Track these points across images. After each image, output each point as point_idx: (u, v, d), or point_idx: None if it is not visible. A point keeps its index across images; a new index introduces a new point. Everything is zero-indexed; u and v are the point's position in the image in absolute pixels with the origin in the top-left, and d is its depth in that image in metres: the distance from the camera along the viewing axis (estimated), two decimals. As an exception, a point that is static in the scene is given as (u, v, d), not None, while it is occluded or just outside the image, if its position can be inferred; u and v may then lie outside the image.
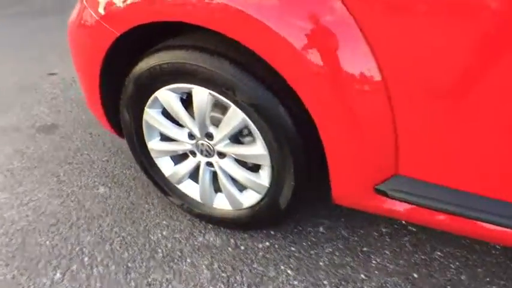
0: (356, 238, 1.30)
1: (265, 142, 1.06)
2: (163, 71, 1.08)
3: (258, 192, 1.19)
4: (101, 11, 1.08)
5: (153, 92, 1.15)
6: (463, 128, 0.84)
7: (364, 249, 1.26)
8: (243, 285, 1.17)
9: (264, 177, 1.15)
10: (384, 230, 1.32)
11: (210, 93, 1.05)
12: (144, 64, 1.11)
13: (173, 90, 1.12)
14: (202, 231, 1.36)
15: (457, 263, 1.19)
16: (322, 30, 0.84)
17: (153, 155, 1.32)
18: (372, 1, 0.78)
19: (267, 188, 1.15)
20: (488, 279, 1.14)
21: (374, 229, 1.32)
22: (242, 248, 1.29)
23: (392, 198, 1.00)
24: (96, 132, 2.01)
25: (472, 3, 0.71)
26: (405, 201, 0.99)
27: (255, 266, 1.23)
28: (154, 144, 1.29)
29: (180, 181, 1.33)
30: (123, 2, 1.03)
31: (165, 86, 1.11)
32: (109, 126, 1.40)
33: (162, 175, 1.35)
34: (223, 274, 1.21)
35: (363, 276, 1.18)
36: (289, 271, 1.21)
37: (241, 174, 1.18)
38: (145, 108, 1.20)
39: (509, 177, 0.86)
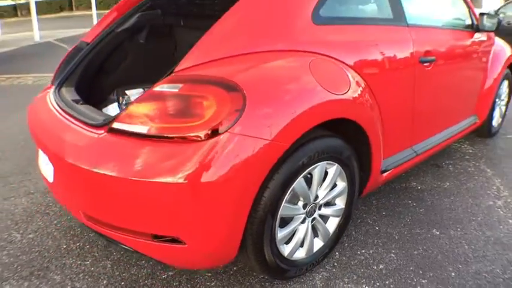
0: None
1: (346, 178, 1.74)
2: (307, 162, 1.47)
3: (337, 216, 1.80)
4: (270, 127, 1.31)
5: (291, 185, 1.47)
6: (399, 126, 1.99)
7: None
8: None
9: (341, 203, 1.81)
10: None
11: (328, 164, 1.59)
12: (295, 161, 1.44)
13: (303, 175, 1.51)
14: (302, 278, 1.74)
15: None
16: (365, 99, 1.71)
17: (280, 244, 1.55)
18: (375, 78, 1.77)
19: (344, 208, 1.80)
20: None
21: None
22: (338, 256, 1.83)
23: (388, 170, 2.01)
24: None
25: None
26: (389, 170, 2.03)
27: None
28: (281, 234, 1.54)
29: (294, 252, 1.64)
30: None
31: (301, 174, 1.49)
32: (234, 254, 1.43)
33: (283, 258, 1.60)
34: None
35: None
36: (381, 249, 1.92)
37: (332, 210, 1.77)
38: (282, 203, 1.47)
39: (411, 139, 2.14)
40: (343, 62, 1.66)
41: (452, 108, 2.71)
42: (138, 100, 1.40)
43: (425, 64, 2.13)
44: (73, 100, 1.87)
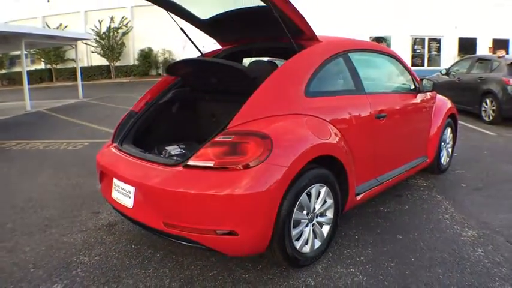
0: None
1: (332, 196, 2.63)
2: (308, 183, 2.36)
3: (328, 224, 2.66)
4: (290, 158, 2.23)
5: (299, 197, 2.35)
6: (365, 162, 2.95)
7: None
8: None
9: (330, 214, 2.68)
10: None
11: (320, 185, 2.49)
12: (301, 182, 2.33)
13: (306, 192, 2.40)
14: (308, 267, 2.54)
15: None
16: (340, 143, 2.66)
17: (293, 239, 2.38)
18: (346, 130, 2.75)
19: (332, 218, 2.67)
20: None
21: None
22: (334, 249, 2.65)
23: (360, 194, 2.93)
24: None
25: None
26: (361, 193, 2.95)
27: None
28: (294, 232, 2.38)
29: (303, 246, 2.47)
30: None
31: (304, 191, 2.38)
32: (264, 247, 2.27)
33: (296, 250, 2.43)
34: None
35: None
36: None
37: (325, 219, 2.63)
38: (294, 210, 2.33)
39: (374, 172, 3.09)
40: (325, 120, 2.64)
41: (405, 150, 3.72)
42: (205, 146, 2.29)
43: (380, 119, 3.14)
44: (140, 151, 2.74)
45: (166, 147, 3.22)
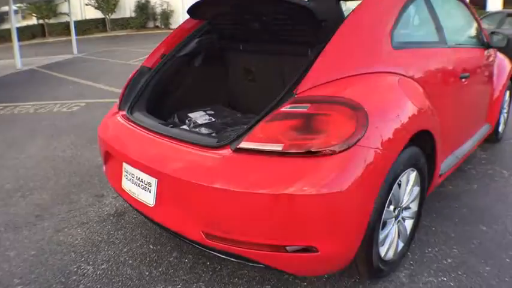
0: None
1: (420, 182, 1.91)
2: (402, 169, 1.66)
3: (411, 218, 1.97)
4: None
5: (391, 191, 1.63)
6: (448, 134, 2.20)
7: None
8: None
9: (414, 206, 1.98)
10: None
11: (411, 170, 1.77)
12: (395, 169, 1.61)
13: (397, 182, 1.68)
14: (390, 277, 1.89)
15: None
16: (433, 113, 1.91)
17: (380, 246, 1.70)
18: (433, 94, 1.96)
19: (416, 210, 1.98)
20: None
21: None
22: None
23: (443, 174, 2.21)
24: None
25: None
26: (443, 173, 2.23)
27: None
28: (381, 236, 1.69)
29: (387, 253, 1.80)
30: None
31: (396, 181, 1.66)
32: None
33: (380, 258, 1.74)
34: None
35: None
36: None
37: (410, 212, 1.94)
38: (385, 208, 1.63)
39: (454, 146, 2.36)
40: (416, 81, 1.88)
41: (476, 117, 2.99)
42: (266, 121, 1.52)
43: (462, 80, 2.39)
44: (160, 123, 1.97)
45: (189, 114, 2.46)
